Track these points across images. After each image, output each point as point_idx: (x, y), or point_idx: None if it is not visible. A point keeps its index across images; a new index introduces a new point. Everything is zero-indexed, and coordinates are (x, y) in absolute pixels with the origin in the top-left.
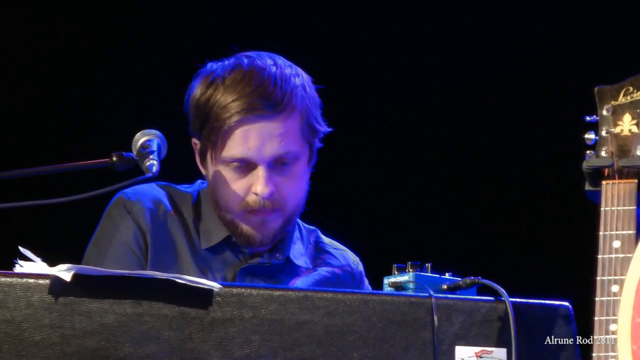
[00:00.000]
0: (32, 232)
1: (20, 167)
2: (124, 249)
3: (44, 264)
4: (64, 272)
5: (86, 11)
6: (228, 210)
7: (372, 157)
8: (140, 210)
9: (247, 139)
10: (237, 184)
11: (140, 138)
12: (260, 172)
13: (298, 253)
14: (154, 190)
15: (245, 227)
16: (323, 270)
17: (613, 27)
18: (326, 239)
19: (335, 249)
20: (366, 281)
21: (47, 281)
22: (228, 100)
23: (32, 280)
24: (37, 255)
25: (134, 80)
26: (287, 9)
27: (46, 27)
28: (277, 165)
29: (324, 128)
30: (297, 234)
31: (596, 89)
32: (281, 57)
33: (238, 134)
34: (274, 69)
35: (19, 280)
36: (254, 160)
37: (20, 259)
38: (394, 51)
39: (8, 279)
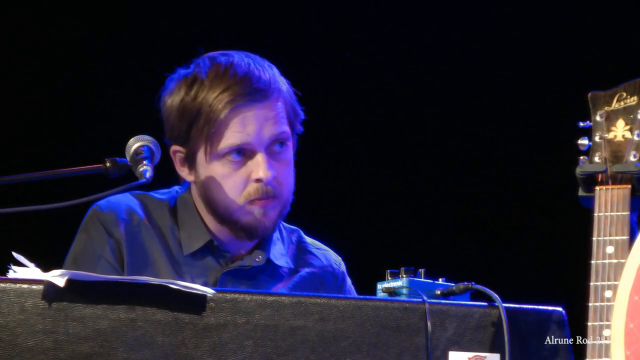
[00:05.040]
0: (26, 237)
1: (15, 173)
2: (102, 262)
3: (38, 270)
4: (58, 277)
5: (78, 16)
6: (227, 207)
7: (366, 161)
8: (114, 221)
9: (244, 125)
10: (236, 176)
11: (134, 144)
12: (260, 157)
13: (279, 253)
14: (128, 200)
15: (246, 220)
16: (304, 272)
17: (607, 33)
18: (308, 239)
19: (317, 249)
20: (349, 281)
21: (41, 287)
22: (218, 92)
23: (25, 286)
24: (31, 260)
25: (127, 85)
26: (284, 9)
27: (37, 32)
28: (272, 150)
29: (302, 114)
30: (277, 234)
31: (590, 94)
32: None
33: (235, 121)
34: (249, 59)
35: (13, 285)
36: (253, 146)
37: (14, 265)
38: (386, 55)
39: (1, 284)
